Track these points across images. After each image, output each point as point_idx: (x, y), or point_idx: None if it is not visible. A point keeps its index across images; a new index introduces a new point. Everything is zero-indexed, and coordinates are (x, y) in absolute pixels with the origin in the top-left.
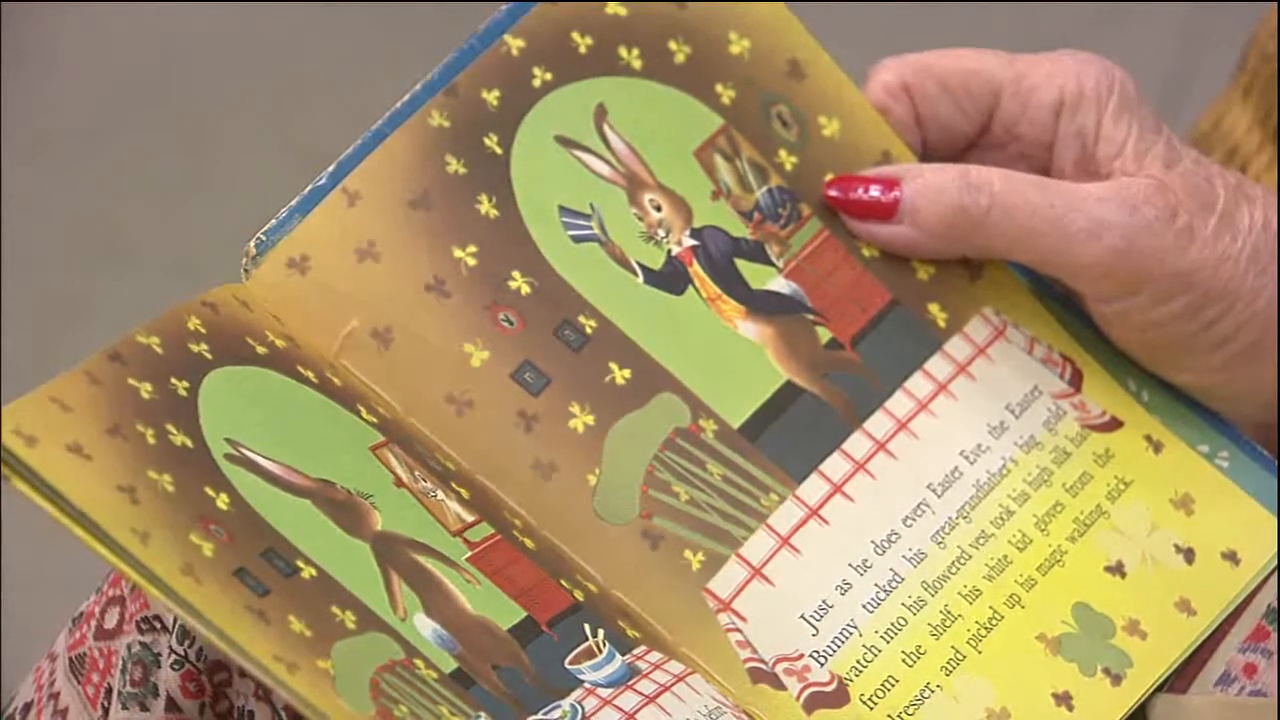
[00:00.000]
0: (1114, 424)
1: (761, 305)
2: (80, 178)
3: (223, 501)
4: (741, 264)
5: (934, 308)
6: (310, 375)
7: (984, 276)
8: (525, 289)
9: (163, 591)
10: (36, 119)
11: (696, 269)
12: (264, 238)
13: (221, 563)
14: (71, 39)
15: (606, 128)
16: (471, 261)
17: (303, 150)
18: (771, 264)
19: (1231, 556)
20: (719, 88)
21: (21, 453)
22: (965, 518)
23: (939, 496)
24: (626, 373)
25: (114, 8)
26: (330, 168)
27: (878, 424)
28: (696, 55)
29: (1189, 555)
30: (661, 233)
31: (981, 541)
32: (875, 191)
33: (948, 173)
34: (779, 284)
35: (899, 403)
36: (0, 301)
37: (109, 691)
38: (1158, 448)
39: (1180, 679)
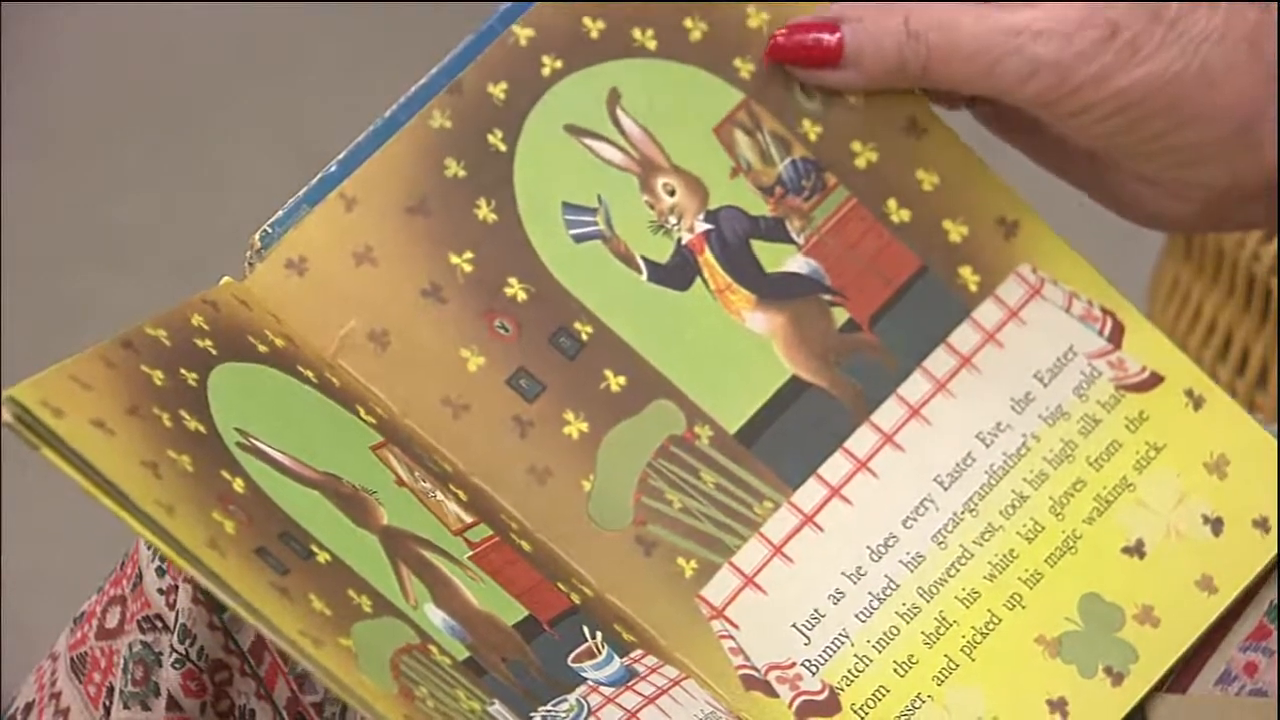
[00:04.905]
0: (1153, 380)
1: (774, 291)
2: (80, 178)
3: (238, 485)
4: (758, 245)
5: (965, 271)
6: (310, 375)
7: (1021, 233)
8: (521, 295)
9: (190, 563)
10: (36, 119)
11: (707, 257)
12: (269, 230)
13: (243, 540)
14: (71, 39)
15: (620, 112)
16: (468, 268)
17: (303, 150)
18: (791, 241)
19: (1262, 524)
20: (738, 62)
21: (50, 423)
22: (972, 511)
23: (945, 490)
24: (622, 379)
25: (114, 8)
26: (341, 155)
27: (887, 413)
28: (713, 31)
29: (1217, 526)
30: (673, 219)
31: (987, 536)
32: (820, 37)
33: (889, 19)
34: (797, 263)
35: (914, 385)
36: (0, 301)
37: (110, 691)
38: (1199, 403)
39: (1181, 677)
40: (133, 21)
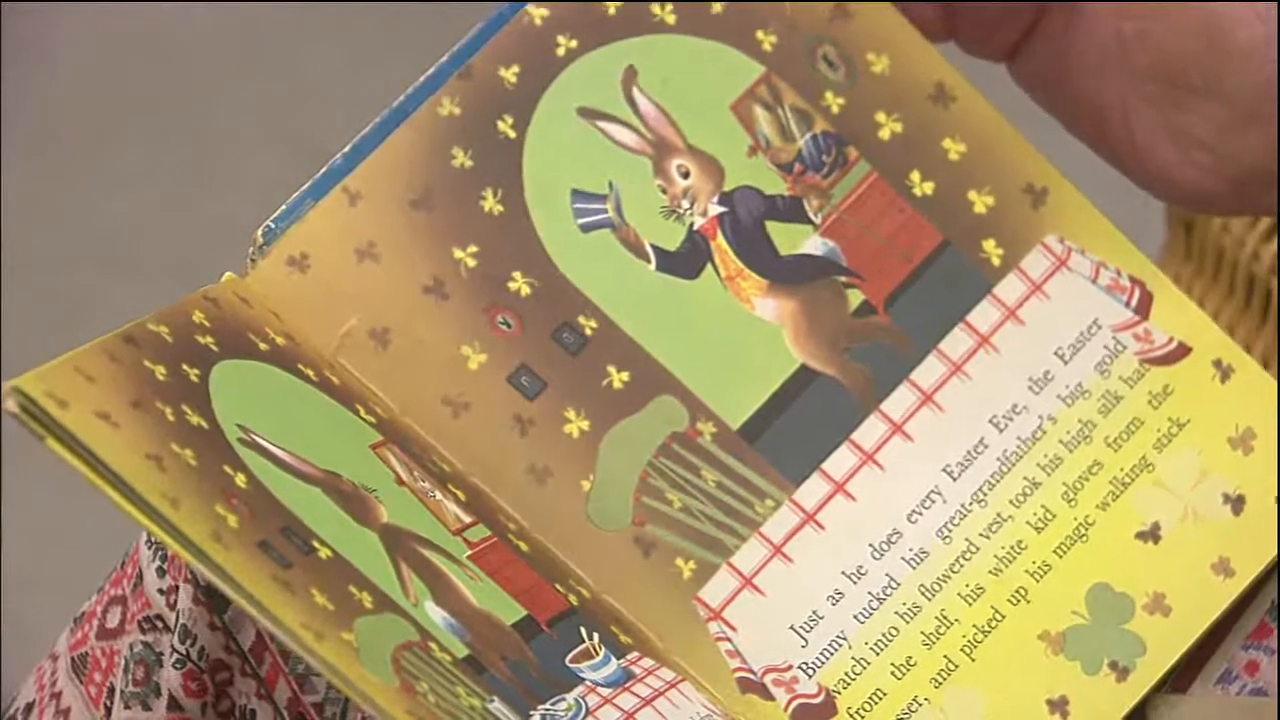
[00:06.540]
0: (1180, 352)
1: (787, 275)
2: (80, 178)
3: (240, 480)
4: (773, 227)
5: (989, 244)
6: (310, 373)
7: (1049, 200)
8: (525, 290)
9: (195, 555)
10: (36, 119)
11: (719, 242)
12: (272, 225)
13: (246, 534)
14: (71, 39)
15: (636, 91)
16: (471, 262)
17: (304, 149)
18: (808, 221)
19: None
20: (759, 35)
21: (55, 413)
22: (980, 502)
23: (954, 480)
24: (625, 375)
25: (114, 8)
26: (346, 148)
27: (898, 401)
28: (735, 4)
29: (1238, 505)
30: (686, 204)
31: (994, 528)
32: None
33: None
34: (813, 243)
35: (928, 369)
36: (0, 301)
37: (111, 691)
38: (1226, 374)
39: (1181, 677)
40: (133, 21)
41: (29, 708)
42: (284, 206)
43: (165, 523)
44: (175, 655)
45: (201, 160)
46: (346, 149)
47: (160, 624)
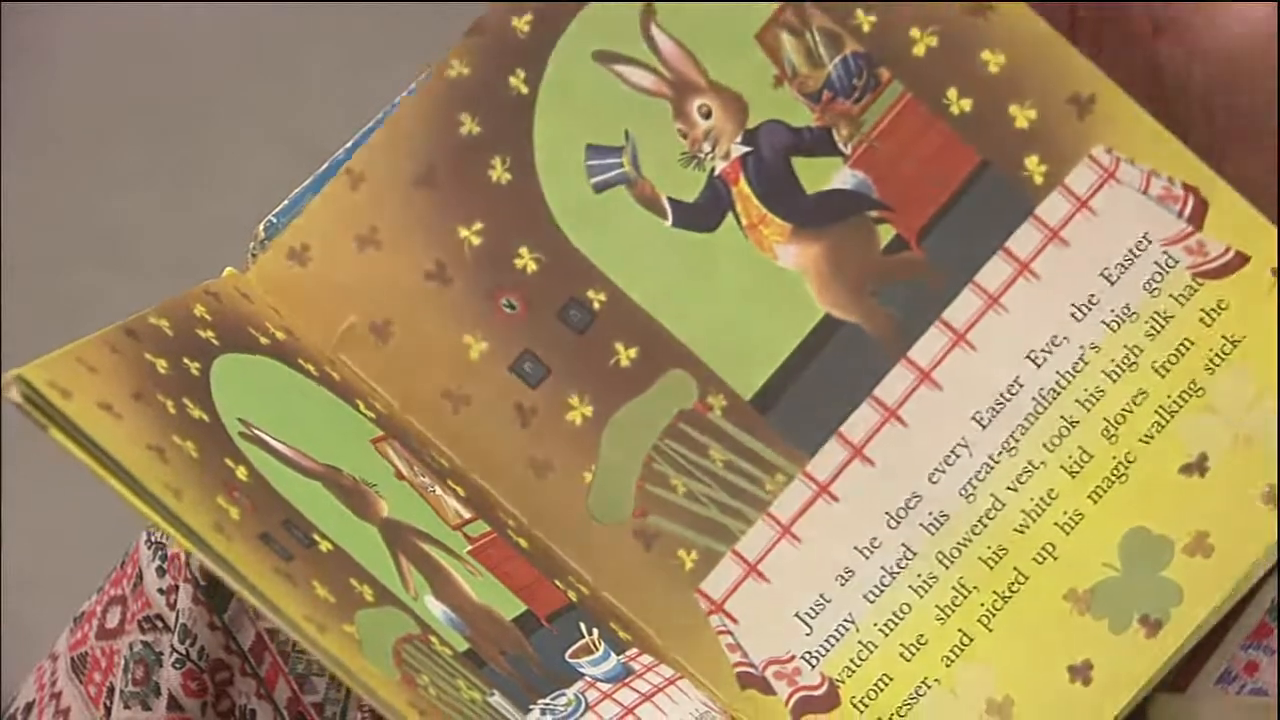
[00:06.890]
0: (1237, 262)
1: (813, 217)
2: (80, 178)
3: (242, 473)
4: (799, 163)
5: (1032, 161)
6: (310, 368)
7: (1096, 109)
8: (531, 266)
9: (197, 546)
10: (36, 119)
11: (741, 187)
12: (274, 220)
13: (247, 526)
14: (71, 39)
15: (655, 29)
16: (476, 241)
17: (304, 149)
18: (837, 152)
19: None
20: None
21: (59, 403)
22: (1010, 451)
23: (984, 429)
24: (632, 352)
25: (114, 8)
26: (348, 143)
27: (927, 345)
28: None
29: None
30: (707, 147)
31: (1023, 479)
32: None
33: None
34: (843, 176)
35: (962, 305)
36: (0, 301)
37: (111, 690)
38: None
39: (1181, 676)
40: (133, 21)
41: (29, 707)
42: (285, 201)
43: (168, 513)
44: (175, 655)
45: (201, 160)
46: (348, 144)
47: (160, 624)
